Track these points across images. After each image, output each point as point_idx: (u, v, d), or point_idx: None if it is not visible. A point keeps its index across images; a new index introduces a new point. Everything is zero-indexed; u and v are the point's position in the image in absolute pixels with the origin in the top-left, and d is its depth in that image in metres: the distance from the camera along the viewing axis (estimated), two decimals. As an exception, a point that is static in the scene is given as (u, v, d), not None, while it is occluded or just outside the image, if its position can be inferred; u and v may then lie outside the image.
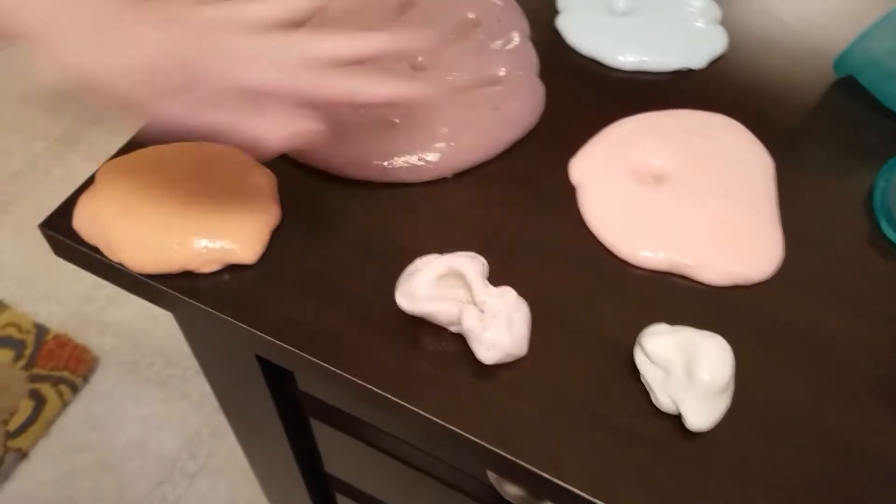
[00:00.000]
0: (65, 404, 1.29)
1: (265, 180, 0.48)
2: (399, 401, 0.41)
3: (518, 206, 0.49)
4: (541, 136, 0.52)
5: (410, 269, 0.44)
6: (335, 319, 0.44)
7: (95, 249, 0.46)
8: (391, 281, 0.44)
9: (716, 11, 0.59)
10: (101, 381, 1.34)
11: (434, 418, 0.40)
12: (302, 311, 0.44)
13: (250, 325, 0.44)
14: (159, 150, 0.49)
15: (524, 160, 0.51)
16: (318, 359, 0.43)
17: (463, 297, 0.43)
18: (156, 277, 0.45)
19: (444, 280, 0.43)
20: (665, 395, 0.40)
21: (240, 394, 0.65)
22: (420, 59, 0.55)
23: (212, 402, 1.30)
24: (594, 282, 0.46)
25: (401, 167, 0.50)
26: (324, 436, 0.67)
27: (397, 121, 0.52)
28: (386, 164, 0.50)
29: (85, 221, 0.46)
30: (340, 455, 0.68)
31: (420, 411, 0.40)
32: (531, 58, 0.55)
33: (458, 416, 0.40)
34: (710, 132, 0.51)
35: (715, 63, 0.57)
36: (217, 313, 0.44)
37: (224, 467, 1.25)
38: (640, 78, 0.56)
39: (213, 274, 0.46)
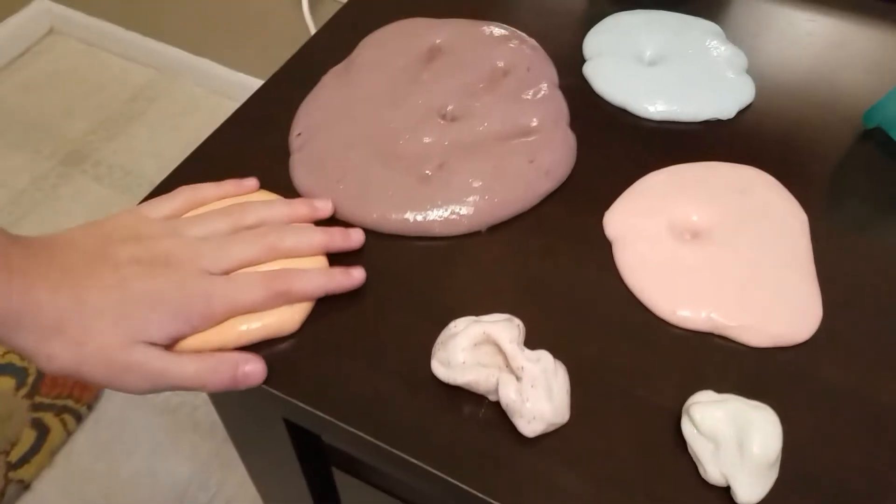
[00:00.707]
0: (69, 434, 1.27)
1: None
2: (439, 473, 0.40)
3: (553, 261, 0.48)
4: (574, 188, 0.52)
5: (446, 333, 0.43)
6: (371, 383, 0.43)
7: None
8: (426, 340, 0.44)
9: (743, 61, 0.58)
10: (106, 409, 1.32)
11: (478, 493, 0.39)
12: (336, 375, 0.43)
13: (284, 392, 0.43)
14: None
15: (558, 213, 0.50)
16: (355, 428, 0.41)
17: (500, 363, 0.42)
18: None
19: (480, 346, 0.42)
20: (714, 469, 0.39)
21: (259, 439, 0.64)
22: (450, 107, 0.54)
23: (222, 431, 1.28)
24: (633, 341, 0.45)
25: (434, 221, 0.49)
26: (346, 486, 0.65)
27: (430, 173, 0.51)
28: (419, 217, 0.49)
29: None
30: None
31: (464, 486, 0.39)
32: (562, 107, 0.55)
33: (500, 489, 0.39)
34: (744, 186, 0.50)
35: (743, 113, 0.56)
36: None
37: (235, 498, 1.23)
38: (669, 128, 0.55)
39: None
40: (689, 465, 0.40)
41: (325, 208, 0.48)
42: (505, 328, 0.42)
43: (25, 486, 1.21)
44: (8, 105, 1.75)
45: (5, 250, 0.38)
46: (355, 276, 0.45)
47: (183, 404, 1.32)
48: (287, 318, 0.44)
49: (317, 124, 0.53)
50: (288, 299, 0.43)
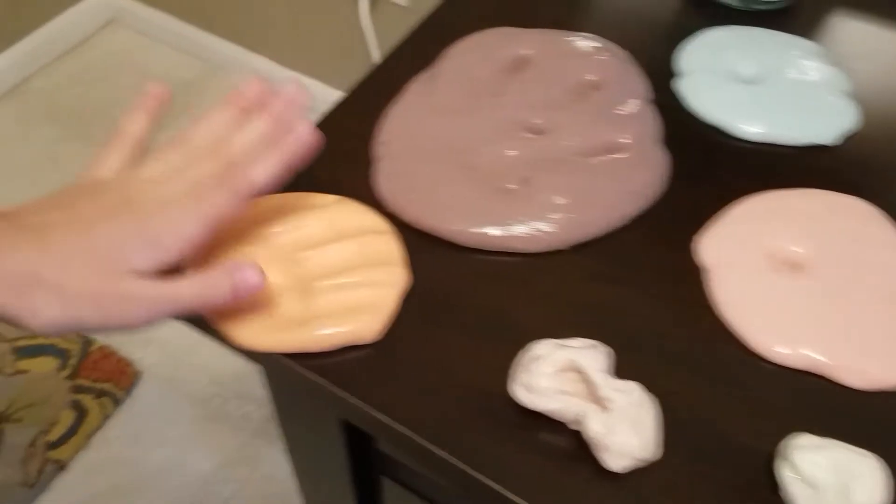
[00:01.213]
0: (106, 417, 1.27)
1: (395, 247, 0.46)
2: (516, 499, 0.38)
3: (640, 287, 0.46)
4: (664, 210, 0.49)
5: (526, 356, 0.41)
6: (444, 399, 0.42)
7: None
8: (503, 359, 0.42)
9: (846, 84, 0.56)
10: (142, 396, 1.32)
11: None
12: (411, 387, 0.42)
13: (359, 397, 0.41)
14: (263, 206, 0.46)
15: (646, 235, 0.48)
16: (429, 443, 0.40)
17: (584, 392, 0.40)
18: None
19: (563, 373, 0.40)
20: (813, 516, 0.37)
21: (311, 438, 0.63)
22: (537, 121, 0.52)
23: (250, 424, 1.28)
24: (725, 376, 0.43)
25: (514, 236, 0.47)
26: (393, 494, 0.64)
27: (513, 187, 0.49)
28: (499, 232, 0.47)
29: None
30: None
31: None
32: (654, 124, 0.53)
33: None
34: (847, 217, 0.48)
35: (848, 140, 0.53)
36: (321, 380, 0.42)
37: (258, 495, 1.22)
38: (766, 150, 0.53)
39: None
40: (784, 509, 0.38)
41: (249, 87, 0.45)
42: (592, 356, 0.40)
43: (61, 466, 1.21)
44: (66, 94, 1.76)
45: None
46: (300, 130, 0.42)
47: (215, 396, 1.32)
48: (367, 326, 0.43)
49: (400, 134, 0.52)
50: (251, 191, 0.41)
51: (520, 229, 0.47)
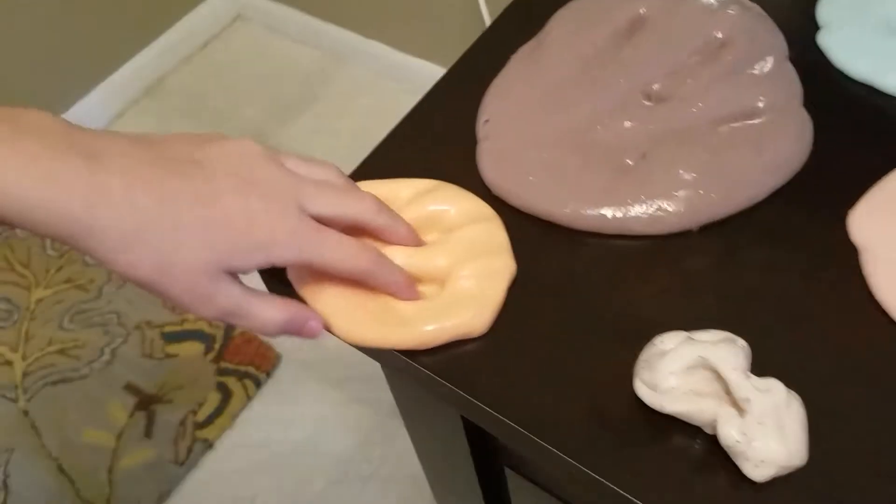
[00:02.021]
0: (249, 398, 1.31)
1: (500, 235, 0.42)
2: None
3: (782, 271, 0.40)
4: (808, 182, 0.43)
5: (651, 350, 0.37)
6: (559, 395, 0.38)
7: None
8: (623, 352, 0.38)
9: None
10: (281, 379, 1.35)
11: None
12: (523, 382, 0.39)
13: (468, 393, 0.39)
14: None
15: (788, 212, 0.42)
16: (541, 439, 0.37)
17: (719, 390, 0.35)
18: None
19: (694, 370, 0.35)
20: None
21: (434, 435, 0.61)
22: (657, 87, 0.47)
23: (384, 406, 1.29)
24: (885, 373, 0.36)
25: (635, 217, 0.42)
26: (518, 487, 0.61)
27: (632, 163, 0.44)
28: (618, 213, 0.43)
29: (296, 278, 0.42)
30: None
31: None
32: (794, 84, 0.46)
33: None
34: None
35: None
36: (430, 374, 0.40)
37: (394, 475, 1.23)
38: (928, 109, 0.45)
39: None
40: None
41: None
42: (727, 351, 0.35)
43: (209, 444, 1.26)
44: (200, 90, 1.82)
45: (72, 137, 0.34)
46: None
47: (351, 378, 1.33)
48: (474, 320, 0.40)
49: (505, 110, 0.48)
50: (364, 279, 0.39)
51: (640, 210, 0.42)
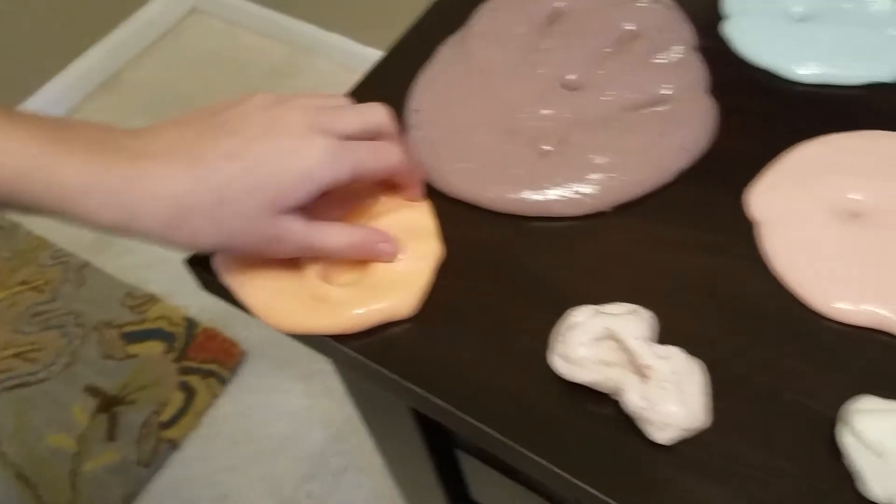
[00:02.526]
0: (214, 397, 1.31)
1: (427, 219, 0.44)
2: (561, 472, 0.36)
3: (688, 246, 0.42)
4: (713, 163, 0.45)
5: (564, 324, 0.39)
6: (487, 372, 0.39)
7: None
8: (544, 328, 0.40)
9: (913, 13, 0.49)
10: (248, 375, 1.35)
11: (610, 500, 0.35)
12: (451, 362, 0.40)
13: (398, 374, 0.40)
14: None
15: (694, 191, 0.44)
16: (470, 417, 0.38)
17: (626, 360, 0.37)
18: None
19: (602, 341, 0.37)
20: (878, 485, 0.33)
21: (386, 418, 0.62)
22: (573, 76, 0.49)
23: (355, 398, 1.29)
24: (781, 337, 0.39)
25: (554, 200, 0.44)
26: (472, 468, 0.62)
27: (550, 149, 0.46)
28: (538, 197, 0.44)
29: (221, 267, 0.43)
30: (487, 486, 0.64)
31: (593, 490, 0.35)
32: (699, 72, 0.48)
33: (630, 496, 0.35)
34: (917, 157, 0.42)
35: (915, 75, 0.47)
36: (366, 361, 0.41)
37: (367, 467, 1.23)
38: (823, 93, 0.47)
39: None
40: (846, 479, 0.34)
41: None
42: (630, 322, 0.37)
43: (174, 445, 1.26)
44: (153, 84, 1.80)
45: (101, 134, 0.36)
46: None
47: (319, 371, 1.33)
48: (402, 302, 0.41)
49: (433, 99, 0.49)
50: (400, 177, 0.43)
51: (559, 193, 0.44)
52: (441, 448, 0.61)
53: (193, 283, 0.46)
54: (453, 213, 0.45)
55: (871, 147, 0.43)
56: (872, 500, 0.33)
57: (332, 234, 0.40)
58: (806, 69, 0.48)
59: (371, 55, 1.69)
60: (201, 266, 0.44)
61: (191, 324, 1.39)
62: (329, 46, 1.75)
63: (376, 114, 0.41)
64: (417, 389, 0.39)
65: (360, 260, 0.42)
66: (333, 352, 0.42)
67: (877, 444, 0.33)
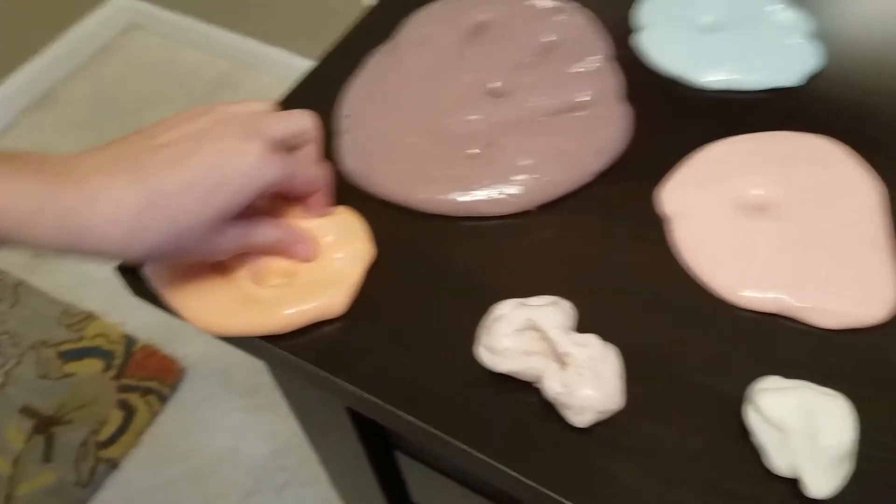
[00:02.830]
0: (154, 414, 1.29)
1: (355, 221, 0.45)
2: (489, 461, 0.37)
3: (607, 241, 0.44)
4: (628, 164, 0.47)
5: (490, 317, 0.40)
6: (418, 367, 0.40)
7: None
8: (473, 323, 0.41)
9: (811, 24, 0.53)
10: (189, 391, 1.33)
11: (539, 486, 0.36)
12: (383, 358, 0.41)
13: (334, 374, 0.41)
14: None
15: (611, 190, 0.47)
16: (402, 411, 0.39)
17: (547, 349, 0.38)
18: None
19: (525, 332, 0.39)
20: (782, 460, 0.35)
21: (323, 423, 0.63)
22: (498, 84, 0.51)
23: (298, 412, 1.28)
24: (692, 324, 0.41)
25: (481, 201, 0.46)
26: (411, 469, 0.63)
27: (477, 152, 0.48)
28: (466, 198, 0.46)
29: (152, 274, 0.43)
30: (427, 487, 0.65)
31: (514, 473, 0.36)
32: (615, 80, 0.51)
33: (559, 481, 0.36)
34: (813, 157, 0.46)
35: (812, 80, 0.51)
36: (298, 360, 0.42)
37: (311, 481, 1.22)
38: (729, 98, 0.50)
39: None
40: (753, 454, 0.36)
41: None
42: (550, 313, 0.39)
43: (114, 464, 1.23)
44: (90, 100, 1.78)
45: (42, 158, 0.36)
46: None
47: (263, 385, 1.32)
48: (332, 301, 0.42)
49: (363, 105, 0.51)
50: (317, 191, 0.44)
51: (485, 193, 0.46)
52: (380, 451, 0.62)
53: (131, 299, 0.47)
54: (385, 214, 0.46)
55: (772, 146, 0.46)
56: (777, 473, 0.35)
57: (266, 230, 0.42)
58: (712, 77, 0.50)
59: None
60: (132, 273, 0.45)
61: (129, 341, 1.37)
62: (269, 60, 1.75)
63: (303, 119, 0.42)
64: (348, 385, 0.40)
65: (284, 258, 0.43)
66: (265, 352, 0.43)
67: (779, 420, 0.35)
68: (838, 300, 0.40)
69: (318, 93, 0.53)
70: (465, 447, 0.38)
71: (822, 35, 0.53)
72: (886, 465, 0.35)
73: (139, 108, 1.74)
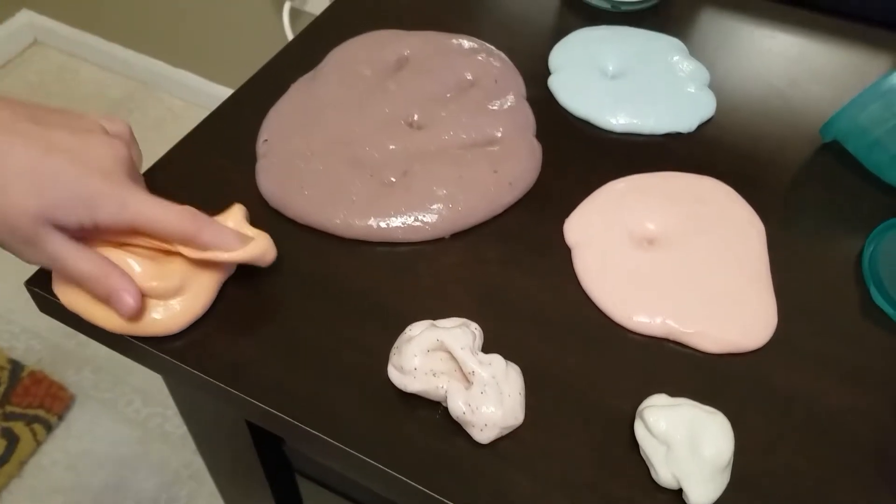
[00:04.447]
0: (38, 444, 1.25)
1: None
2: (394, 473, 0.40)
3: (515, 268, 0.48)
4: (538, 196, 0.52)
5: (402, 338, 0.43)
6: (329, 386, 0.43)
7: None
8: (386, 344, 0.44)
9: (705, 75, 0.59)
10: (78, 420, 1.30)
11: (430, 492, 0.39)
12: (296, 378, 0.43)
13: (239, 391, 0.43)
14: None
15: (521, 221, 0.51)
16: (313, 428, 0.41)
17: (454, 369, 0.42)
18: (144, 340, 0.44)
19: (434, 353, 0.42)
20: (666, 471, 0.39)
21: (223, 444, 0.64)
22: (417, 116, 0.54)
23: (192, 443, 1.26)
24: (590, 346, 0.45)
25: (397, 227, 0.49)
26: (311, 494, 0.65)
27: (394, 180, 0.51)
28: (382, 224, 0.49)
29: (60, 289, 0.45)
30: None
31: (417, 485, 0.39)
32: (528, 118, 0.55)
33: (455, 492, 0.39)
34: (702, 195, 0.51)
35: (704, 126, 0.57)
36: (204, 376, 0.43)
37: (203, 511, 1.21)
38: (631, 140, 0.56)
39: (199, 335, 0.44)
40: (641, 467, 0.40)
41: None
42: (458, 335, 0.42)
43: (-7, 496, 1.19)
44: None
45: None
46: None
47: (153, 415, 1.30)
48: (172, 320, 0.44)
49: (283, 131, 0.53)
50: (184, 235, 0.42)
51: (401, 220, 0.49)
52: (281, 476, 0.63)
53: (19, 323, 0.47)
54: (301, 239, 0.49)
55: (666, 185, 0.51)
56: (662, 484, 0.39)
57: (79, 261, 0.41)
58: (616, 120, 0.56)
59: (220, 92, 1.70)
60: (41, 288, 0.46)
61: (16, 366, 1.32)
62: (174, 82, 1.75)
63: (117, 125, 0.45)
64: (249, 399, 0.42)
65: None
66: (165, 365, 0.44)
67: (664, 434, 0.39)
68: (720, 327, 0.45)
69: (240, 117, 0.56)
70: (368, 460, 0.40)
71: (714, 85, 0.59)
72: (758, 475, 0.40)
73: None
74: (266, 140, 0.53)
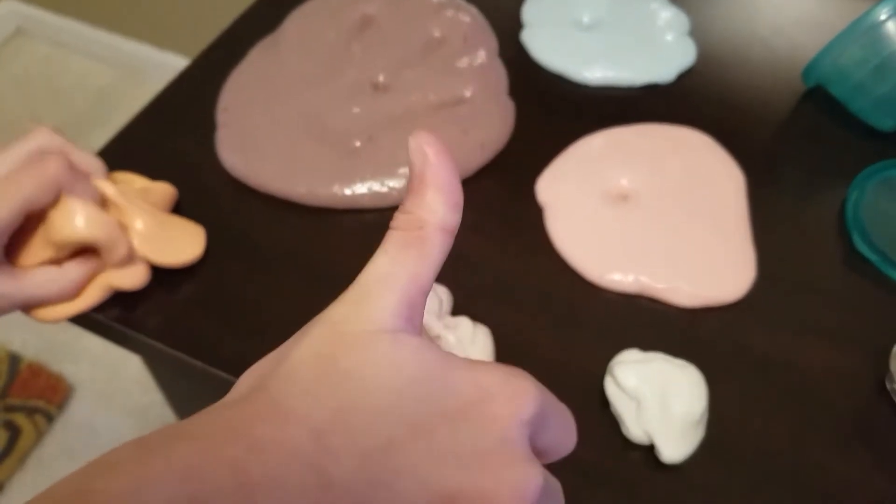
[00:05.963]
0: (40, 434, 1.28)
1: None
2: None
3: (486, 230, 0.49)
4: (510, 156, 0.52)
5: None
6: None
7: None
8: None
9: (684, 23, 0.59)
10: (77, 411, 1.32)
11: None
12: (262, 350, 0.44)
13: (206, 362, 0.43)
14: None
15: (493, 182, 0.51)
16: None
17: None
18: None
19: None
20: (637, 427, 0.39)
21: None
22: (382, 78, 0.55)
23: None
24: (562, 306, 0.45)
25: (363, 194, 0.49)
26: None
27: (359, 145, 0.51)
28: (347, 191, 0.49)
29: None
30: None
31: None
32: (500, 76, 0.55)
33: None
34: (680, 148, 0.51)
35: (684, 76, 0.56)
36: (163, 346, 0.44)
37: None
38: (607, 94, 0.56)
39: (157, 306, 0.45)
40: (613, 424, 0.41)
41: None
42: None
43: (-2, 488, 1.21)
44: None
45: None
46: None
47: (153, 404, 1.32)
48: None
49: (243, 99, 0.54)
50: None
51: (367, 187, 0.49)
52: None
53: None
54: (264, 208, 0.49)
55: (641, 138, 0.51)
56: (633, 440, 0.40)
57: (37, 277, 0.42)
58: (592, 73, 0.56)
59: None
60: None
61: (14, 360, 1.35)
62: (163, 66, 1.75)
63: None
64: (229, 377, 0.43)
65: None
66: (137, 342, 0.45)
67: (634, 390, 0.39)
68: (694, 281, 0.45)
69: (198, 86, 0.56)
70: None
71: (694, 33, 0.59)
72: (733, 432, 0.40)
73: (23, 118, 1.71)
74: (226, 109, 0.53)
